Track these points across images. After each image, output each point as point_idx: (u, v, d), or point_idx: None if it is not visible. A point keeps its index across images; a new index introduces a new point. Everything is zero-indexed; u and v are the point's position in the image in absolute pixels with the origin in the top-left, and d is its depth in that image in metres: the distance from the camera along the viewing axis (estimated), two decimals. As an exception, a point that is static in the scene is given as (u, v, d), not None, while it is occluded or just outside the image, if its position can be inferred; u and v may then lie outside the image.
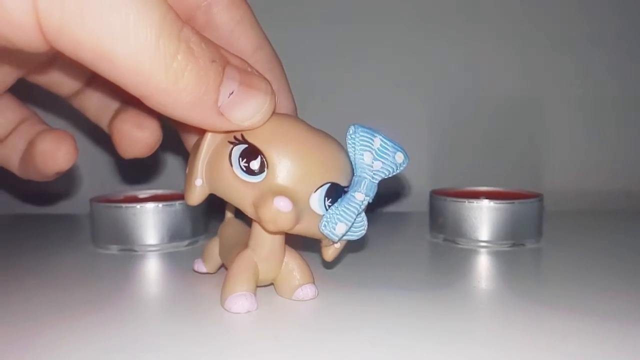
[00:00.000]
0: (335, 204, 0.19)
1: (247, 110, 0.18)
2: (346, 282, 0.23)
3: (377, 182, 0.19)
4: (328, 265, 0.25)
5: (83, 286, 0.23)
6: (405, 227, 0.34)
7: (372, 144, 0.19)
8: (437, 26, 0.42)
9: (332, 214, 0.19)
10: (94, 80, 0.24)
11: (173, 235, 0.29)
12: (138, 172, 0.42)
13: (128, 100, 0.23)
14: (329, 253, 0.21)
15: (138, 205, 0.29)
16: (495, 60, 0.43)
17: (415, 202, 0.41)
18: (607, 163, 0.44)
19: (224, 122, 0.17)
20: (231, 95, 0.17)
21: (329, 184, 0.19)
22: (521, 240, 0.30)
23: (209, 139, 0.19)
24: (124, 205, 0.29)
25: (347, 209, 0.19)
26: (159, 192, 0.33)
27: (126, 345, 0.17)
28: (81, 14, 0.14)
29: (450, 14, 0.42)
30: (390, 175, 0.20)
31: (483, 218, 0.30)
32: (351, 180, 0.19)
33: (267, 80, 0.18)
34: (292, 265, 0.21)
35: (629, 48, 0.44)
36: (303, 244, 0.22)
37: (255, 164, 0.18)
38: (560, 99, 0.44)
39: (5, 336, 0.18)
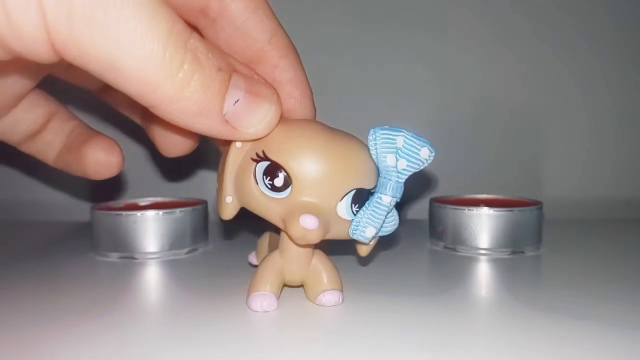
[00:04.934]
0: (363, 208, 0.19)
1: (252, 118, 0.18)
2: (347, 290, 0.23)
3: (403, 181, 0.19)
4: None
5: (83, 293, 0.23)
6: (406, 234, 0.34)
7: (395, 144, 0.19)
8: (438, 36, 0.43)
9: (360, 218, 0.19)
10: None
11: (173, 243, 0.29)
12: (138, 179, 0.42)
13: None
14: (363, 249, 0.21)
15: (138, 213, 0.29)
16: (496, 70, 0.43)
17: (415, 209, 0.41)
18: (607, 171, 0.44)
19: (229, 130, 0.18)
20: (236, 104, 0.17)
21: (354, 191, 0.19)
22: (521, 247, 0.30)
23: (232, 156, 0.19)
24: (124, 212, 0.29)
25: (375, 212, 0.19)
26: (159, 199, 0.33)
27: (126, 353, 0.17)
28: (89, 26, 0.14)
29: (450, 26, 0.43)
30: (417, 171, 0.19)
31: (483, 226, 0.30)
32: (377, 181, 0.19)
33: (274, 89, 0.18)
34: (320, 268, 0.21)
35: (628, 58, 0.44)
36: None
37: (278, 181, 0.18)
38: (560, 107, 0.44)
39: (5, 343, 0.18)
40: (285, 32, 0.21)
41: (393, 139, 0.19)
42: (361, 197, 0.19)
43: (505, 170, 0.44)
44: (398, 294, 0.23)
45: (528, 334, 0.18)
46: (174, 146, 0.24)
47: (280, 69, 0.21)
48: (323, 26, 0.42)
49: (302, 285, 0.22)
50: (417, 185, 0.43)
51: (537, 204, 0.31)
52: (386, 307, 0.21)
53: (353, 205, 0.19)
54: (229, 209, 0.20)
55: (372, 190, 0.19)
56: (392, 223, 0.20)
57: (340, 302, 0.21)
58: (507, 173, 0.44)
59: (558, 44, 0.43)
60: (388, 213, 0.19)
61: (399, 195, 0.19)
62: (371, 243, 0.21)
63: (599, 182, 0.44)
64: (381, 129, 0.19)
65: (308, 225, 0.18)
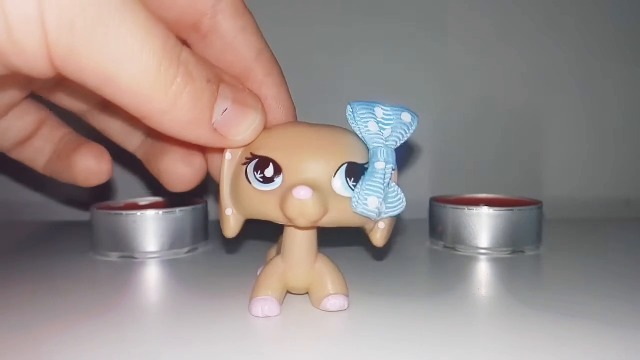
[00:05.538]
0: (360, 181, 0.19)
1: (240, 127, 0.19)
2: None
3: (392, 147, 0.19)
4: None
5: (83, 293, 0.23)
6: (406, 234, 0.34)
7: (375, 114, 0.19)
8: (438, 36, 0.43)
9: (359, 190, 0.19)
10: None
11: (173, 242, 0.29)
12: (138, 179, 0.42)
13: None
14: (377, 237, 0.21)
15: (138, 213, 0.29)
16: (496, 70, 0.43)
17: (416, 209, 0.41)
18: (607, 171, 0.44)
19: (218, 138, 0.18)
20: (225, 113, 0.18)
21: (346, 164, 0.19)
22: (521, 247, 0.30)
23: (225, 169, 0.20)
24: (124, 212, 0.29)
25: (372, 181, 0.19)
26: (159, 199, 0.33)
27: (126, 353, 0.17)
28: (89, 42, 0.14)
29: (450, 25, 0.43)
30: (405, 138, 0.19)
31: (483, 225, 0.30)
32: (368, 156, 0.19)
33: (258, 98, 0.19)
34: (324, 272, 0.21)
35: (629, 57, 0.44)
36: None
37: (269, 171, 0.19)
38: (560, 107, 0.44)
39: (5, 343, 0.18)
40: (271, 51, 0.22)
41: (371, 110, 0.19)
42: (357, 174, 0.19)
43: (505, 170, 0.44)
44: (398, 294, 0.23)
45: (528, 334, 0.18)
46: (179, 182, 0.24)
47: (266, 86, 0.21)
48: (323, 26, 0.42)
49: (307, 293, 0.21)
50: (417, 185, 0.43)
51: (537, 203, 0.31)
52: (386, 307, 0.21)
53: (350, 180, 0.19)
54: (231, 224, 0.20)
55: (367, 166, 0.19)
56: (398, 201, 0.20)
57: (346, 307, 0.21)
58: (507, 173, 0.44)
59: (558, 44, 0.43)
60: (387, 184, 0.19)
61: (392, 160, 0.19)
62: (382, 226, 0.20)
63: (599, 182, 0.44)
64: (357, 103, 0.19)
65: (302, 195, 0.18)
